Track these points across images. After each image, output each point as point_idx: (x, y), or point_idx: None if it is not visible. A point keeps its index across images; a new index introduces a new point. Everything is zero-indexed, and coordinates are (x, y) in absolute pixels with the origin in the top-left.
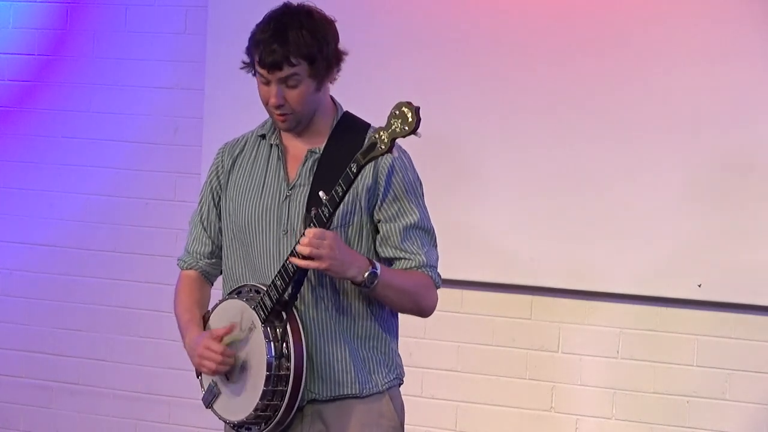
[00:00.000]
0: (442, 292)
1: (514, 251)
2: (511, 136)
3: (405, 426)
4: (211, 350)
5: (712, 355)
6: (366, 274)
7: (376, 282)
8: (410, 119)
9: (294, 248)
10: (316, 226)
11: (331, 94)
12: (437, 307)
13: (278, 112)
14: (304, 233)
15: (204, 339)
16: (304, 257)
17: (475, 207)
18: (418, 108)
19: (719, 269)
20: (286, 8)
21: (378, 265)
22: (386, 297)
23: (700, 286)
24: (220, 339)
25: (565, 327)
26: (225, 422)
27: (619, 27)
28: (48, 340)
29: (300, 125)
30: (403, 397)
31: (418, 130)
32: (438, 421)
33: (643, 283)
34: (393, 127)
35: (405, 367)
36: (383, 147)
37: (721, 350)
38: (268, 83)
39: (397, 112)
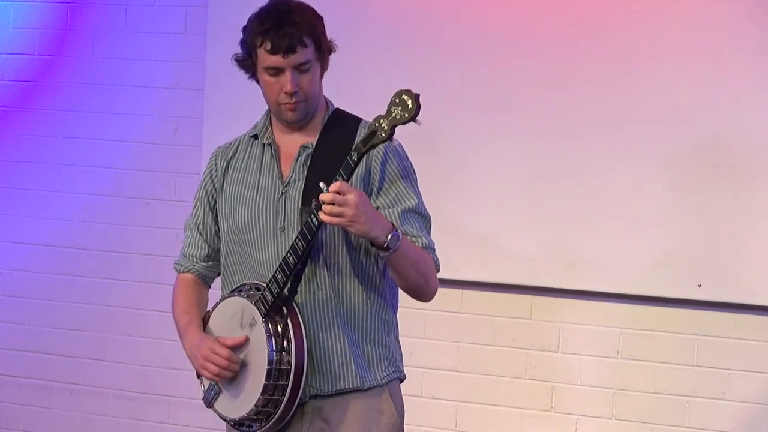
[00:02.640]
0: (442, 292)
1: (514, 251)
2: (512, 137)
3: (405, 426)
4: (217, 354)
5: (712, 355)
6: (390, 236)
7: (398, 245)
8: (410, 106)
9: (296, 239)
10: (316, 218)
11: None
12: (437, 307)
13: (292, 100)
14: (328, 189)
15: (209, 342)
16: (330, 212)
17: (476, 207)
18: (418, 95)
19: (719, 269)
20: (277, 1)
21: (398, 230)
22: (400, 267)
23: (700, 286)
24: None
25: (565, 327)
26: (226, 420)
27: (611, 22)
28: (48, 340)
29: (308, 115)
30: (403, 397)
31: (418, 118)
32: (438, 421)
33: (643, 283)
34: (393, 114)
35: (405, 367)
36: (383, 134)
37: (721, 350)
38: (278, 73)
39: (397, 100)
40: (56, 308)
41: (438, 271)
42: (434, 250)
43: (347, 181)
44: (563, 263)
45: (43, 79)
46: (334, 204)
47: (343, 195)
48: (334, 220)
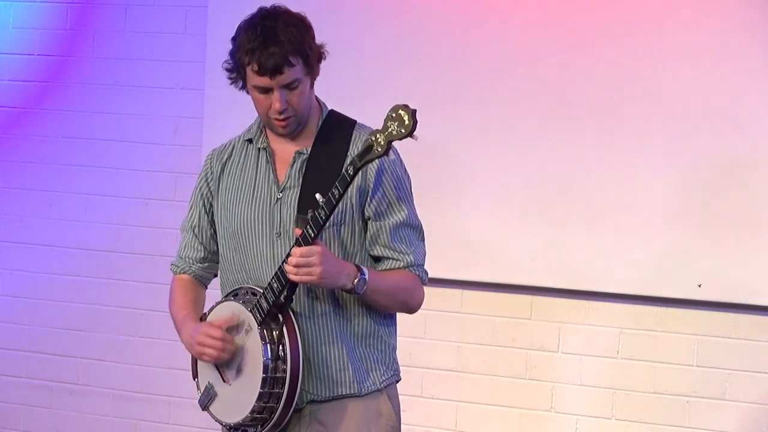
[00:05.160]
0: (443, 292)
1: (515, 251)
2: (512, 137)
3: (405, 426)
4: (211, 337)
5: (712, 355)
6: (355, 281)
7: (365, 288)
8: (407, 122)
9: (289, 253)
10: (312, 230)
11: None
12: (437, 307)
13: (282, 116)
14: (299, 239)
15: (203, 327)
16: (297, 273)
17: (476, 207)
18: (415, 111)
19: (719, 269)
20: (265, 12)
21: (366, 270)
22: (375, 300)
23: (700, 286)
24: (221, 327)
25: (565, 327)
26: (221, 424)
27: (613, 26)
28: (48, 340)
29: (299, 127)
30: (403, 397)
31: (415, 133)
32: (438, 421)
33: (643, 283)
34: (389, 129)
35: (405, 367)
36: (380, 150)
37: (721, 350)
38: (267, 91)
39: (394, 115)
40: (56, 308)
41: (425, 283)
42: (422, 265)
43: (343, 193)
44: (563, 263)
45: (43, 79)
46: (297, 272)
47: (308, 258)
48: (304, 279)
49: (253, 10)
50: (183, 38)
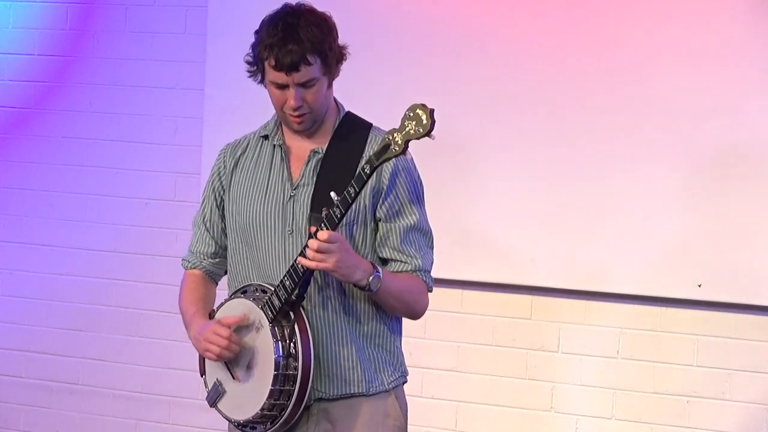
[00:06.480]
0: (443, 292)
1: (514, 251)
2: (512, 136)
3: None
4: (218, 335)
5: (712, 355)
6: (370, 278)
7: (379, 286)
8: (425, 121)
9: (303, 248)
10: (327, 227)
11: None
12: (437, 307)
13: (296, 113)
14: (314, 234)
15: (212, 324)
16: (314, 258)
17: (476, 207)
18: (433, 110)
19: (719, 269)
20: (288, 8)
21: (380, 269)
22: (384, 300)
23: (700, 286)
24: (229, 327)
25: (565, 327)
26: (229, 421)
27: (618, 25)
28: (48, 340)
29: (315, 124)
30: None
31: (432, 132)
32: (438, 421)
33: (643, 283)
34: (407, 128)
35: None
36: (397, 149)
37: (721, 350)
38: (283, 87)
39: (411, 114)
40: (56, 308)
41: (430, 291)
42: (429, 271)
43: (359, 192)
44: (563, 263)
45: (43, 79)
46: (319, 256)
47: (329, 244)
48: (320, 265)
49: (253, 10)
50: (183, 38)
